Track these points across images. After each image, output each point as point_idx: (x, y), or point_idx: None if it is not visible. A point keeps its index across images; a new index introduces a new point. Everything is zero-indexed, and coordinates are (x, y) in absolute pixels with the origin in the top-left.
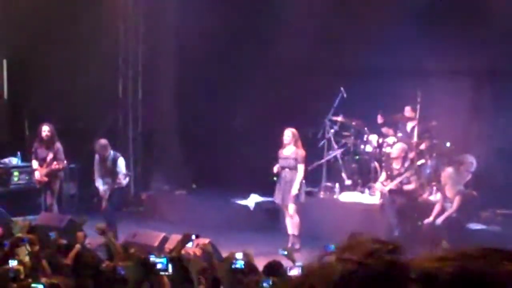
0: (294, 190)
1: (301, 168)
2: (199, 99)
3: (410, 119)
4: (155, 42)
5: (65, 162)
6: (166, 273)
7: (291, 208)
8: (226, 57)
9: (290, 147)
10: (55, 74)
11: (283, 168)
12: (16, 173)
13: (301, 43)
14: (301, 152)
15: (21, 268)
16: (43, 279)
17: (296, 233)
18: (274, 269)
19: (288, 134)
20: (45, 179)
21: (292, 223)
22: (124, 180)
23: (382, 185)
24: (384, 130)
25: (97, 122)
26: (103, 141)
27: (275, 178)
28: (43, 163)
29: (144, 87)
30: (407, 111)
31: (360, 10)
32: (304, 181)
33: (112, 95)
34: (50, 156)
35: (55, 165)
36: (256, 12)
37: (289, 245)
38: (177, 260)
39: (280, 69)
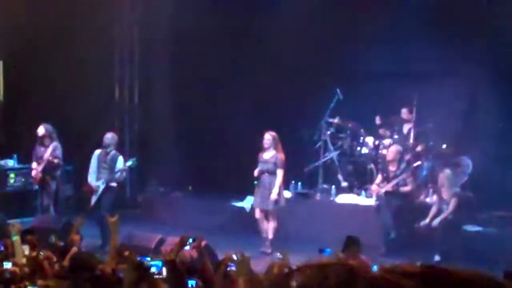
0: (274, 194)
1: (280, 172)
2: (196, 102)
3: (407, 121)
4: (152, 45)
5: (61, 160)
6: (160, 276)
7: (270, 212)
8: (223, 60)
9: (270, 151)
10: (51, 76)
11: (262, 172)
12: (12, 175)
13: (298, 45)
14: (281, 156)
15: (17, 269)
16: (39, 282)
17: (271, 237)
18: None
19: (268, 137)
20: (40, 175)
21: (269, 228)
22: (121, 176)
23: (378, 187)
24: (381, 131)
25: (93, 124)
26: (113, 134)
27: (255, 182)
28: (40, 161)
29: (141, 90)
30: (404, 113)
31: (357, 12)
32: (282, 185)
33: (109, 97)
34: (47, 153)
35: (50, 159)
36: (253, 14)
37: (263, 249)
38: (172, 263)
39: (277, 70)
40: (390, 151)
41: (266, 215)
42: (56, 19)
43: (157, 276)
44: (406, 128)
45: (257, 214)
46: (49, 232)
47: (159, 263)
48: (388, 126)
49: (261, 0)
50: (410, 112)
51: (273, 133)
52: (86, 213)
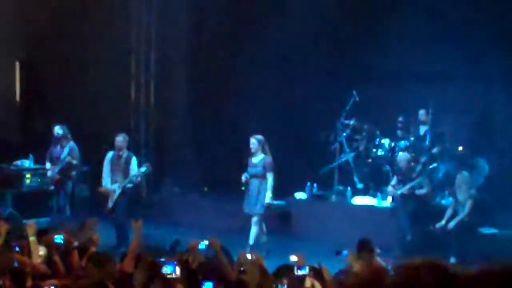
0: (267, 198)
1: (270, 176)
2: (212, 102)
3: (424, 122)
4: (168, 44)
5: (78, 161)
6: (174, 276)
7: (256, 216)
8: (239, 61)
9: (259, 154)
10: (67, 76)
11: (251, 176)
12: (28, 175)
13: (314, 46)
14: (269, 160)
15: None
16: (54, 281)
17: (251, 242)
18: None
19: (254, 142)
20: (57, 176)
21: (252, 233)
22: (136, 180)
23: (393, 189)
24: (400, 133)
25: (109, 124)
26: (124, 135)
27: (243, 188)
28: (56, 162)
29: (157, 90)
30: (422, 114)
31: (373, 13)
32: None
33: (124, 98)
34: (64, 153)
35: (68, 160)
36: (269, 13)
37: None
38: (186, 263)
39: (292, 72)
40: (400, 160)
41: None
42: (72, 20)
43: (170, 276)
44: (422, 130)
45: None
46: (64, 232)
47: (173, 263)
48: (404, 127)
49: (277, 0)
50: (428, 113)
51: (259, 137)
52: (99, 213)
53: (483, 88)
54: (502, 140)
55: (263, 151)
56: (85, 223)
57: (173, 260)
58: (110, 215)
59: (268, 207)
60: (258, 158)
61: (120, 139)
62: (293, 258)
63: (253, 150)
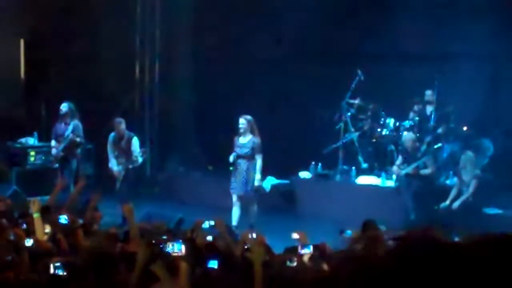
0: (256, 181)
1: (259, 157)
2: (216, 81)
3: (430, 102)
4: (173, 23)
5: (83, 138)
6: (179, 254)
7: (249, 198)
8: (243, 39)
9: (247, 135)
10: (71, 54)
11: (239, 156)
12: (32, 153)
13: (319, 26)
14: (258, 141)
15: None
16: (59, 258)
17: (253, 221)
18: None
19: (243, 122)
20: (61, 154)
21: (251, 212)
22: (139, 159)
23: (398, 169)
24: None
25: (113, 102)
26: (120, 119)
27: (231, 168)
28: (61, 139)
29: (161, 68)
30: (428, 95)
31: None
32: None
33: (129, 76)
34: (68, 131)
35: (72, 138)
36: None
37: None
38: (191, 241)
39: (297, 51)
40: (405, 139)
41: (243, 200)
42: None
43: (175, 254)
44: (428, 110)
45: (234, 199)
46: (68, 210)
47: (178, 242)
48: (409, 107)
49: None
50: (434, 93)
51: (248, 117)
52: (101, 190)
53: (489, 67)
54: (508, 120)
55: (252, 132)
56: (89, 200)
57: (178, 239)
58: (117, 193)
59: (258, 189)
60: (246, 139)
61: (120, 126)
62: (295, 235)
63: (242, 130)
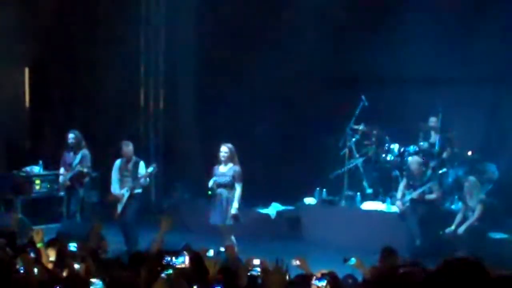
0: (233, 209)
1: (239, 186)
2: (221, 108)
3: (434, 129)
4: (177, 50)
5: (90, 169)
6: (182, 266)
7: (227, 228)
8: (248, 67)
9: (228, 163)
10: (76, 81)
11: (219, 185)
12: (37, 181)
13: (323, 50)
14: (239, 169)
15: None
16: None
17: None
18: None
19: (225, 150)
20: (68, 183)
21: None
22: (145, 182)
23: (401, 203)
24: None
25: (118, 130)
26: (128, 142)
27: (209, 193)
28: (69, 168)
29: (166, 96)
30: (433, 121)
31: (381, 17)
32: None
33: (134, 103)
34: (76, 161)
35: (80, 169)
36: (275, 21)
37: None
38: (198, 257)
39: (301, 75)
40: (411, 162)
41: (221, 231)
42: (81, 25)
43: (178, 266)
44: (433, 135)
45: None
46: (74, 238)
47: (183, 255)
48: (416, 132)
49: (284, 5)
50: (438, 119)
51: (230, 145)
52: (103, 218)
53: (492, 91)
54: None
55: (232, 161)
56: (91, 230)
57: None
58: (119, 220)
59: (236, 218)
60: (226, 167)
61: (128, 148)
62: (296, 262)
63: (223, 159)
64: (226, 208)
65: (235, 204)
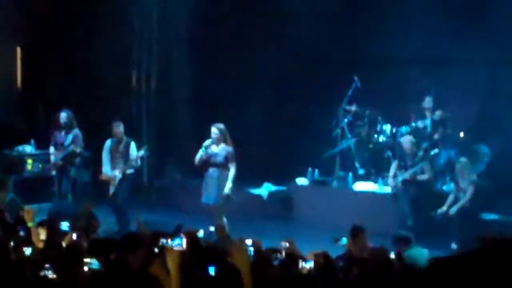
0: (227, 189)
1: (233, 166)
2: (214, 89)
3: (428, 109)
4: (170, 31)
5: (82, 148)
6: (181, 249)
7: (219, 207)
8: (241, 48)
9: (220, 143)
10: (68, 62)
11: (210, 165)
12: (29, 161)
13: (316, 32)
14: (231, 149)
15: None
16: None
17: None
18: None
19: (215, 131)
20: (60, 163)
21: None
22: (138, 162)
23: (393, 181)
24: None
25: (110, 111)
26: (119, 122)
27: (203, 147)
28: (60, 147)
29: (158, 76)
30: (428, 101)
31: None
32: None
33: (126, 84)
34: (68, 140)
35: (72, 148)
36: (268, 2)
37: None
38: (194, 237)
39: (295, 57)
40: (403, 141)
41: (213, 211)
42: (73, 5)
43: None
44: (426, 116)
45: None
46: (65, 218)
47: (179, 237)
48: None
49: None
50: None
51: (221, 126)
52: (94, 198)
53: (486, 72)
54: (504, 126)
55: (224, 141)
56: (82, 209)
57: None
58: (111, 201)
59: (228, 198)
60: (219, 147)
61: (119, 128)
62: (285, 244)
63: (214, 140)
64: (217, 188)
65: (229, 184)
